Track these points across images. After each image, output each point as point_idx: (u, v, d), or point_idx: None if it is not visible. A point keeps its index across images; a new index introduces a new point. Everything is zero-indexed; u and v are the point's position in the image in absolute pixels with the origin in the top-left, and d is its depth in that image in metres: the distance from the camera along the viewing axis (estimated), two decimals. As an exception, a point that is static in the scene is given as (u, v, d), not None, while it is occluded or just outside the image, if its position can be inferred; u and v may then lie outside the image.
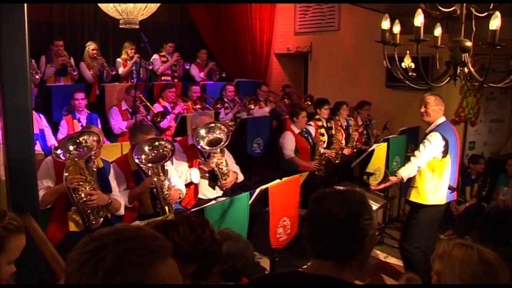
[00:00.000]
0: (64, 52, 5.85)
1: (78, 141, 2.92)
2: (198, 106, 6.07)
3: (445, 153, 3.55)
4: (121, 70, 6.40)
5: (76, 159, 2.85)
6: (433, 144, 3.51)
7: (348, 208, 1.36)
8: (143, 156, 3.22)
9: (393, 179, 3.68)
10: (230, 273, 2.08)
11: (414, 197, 3.66)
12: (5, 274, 1.58)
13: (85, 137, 2.94)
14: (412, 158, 3.60)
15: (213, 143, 3.71)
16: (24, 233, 1.65)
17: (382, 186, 3.84)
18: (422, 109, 3.67)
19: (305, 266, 1.48)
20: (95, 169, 3.02)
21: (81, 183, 2.85)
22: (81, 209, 2.88)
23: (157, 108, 5.61)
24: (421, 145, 3.58)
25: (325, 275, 1.35)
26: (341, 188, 1.46)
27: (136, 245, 0.88)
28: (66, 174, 2.82)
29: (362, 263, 1.41)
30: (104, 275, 0.84)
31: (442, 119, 3.64)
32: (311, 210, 1.41)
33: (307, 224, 1.41)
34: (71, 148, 2.88)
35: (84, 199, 2.86)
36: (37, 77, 5.44)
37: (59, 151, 2.85)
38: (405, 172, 3.62)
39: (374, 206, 3.87)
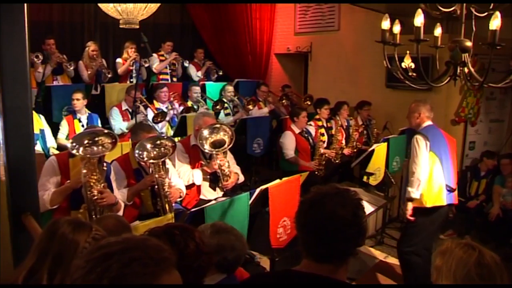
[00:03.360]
0: (56, 50, 5.84)
1: (96, 139, 2.90)
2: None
3: (428, 150, 3.53)
4: (119, 69, 6.40)
5: (88, 155, 2.83)
6: (420, 149, 3.50)
7: (351, 208, 1.36)
8: (144, 153, 3.23)
9: (408, 205, 3.56)
10: (223, 264, 2.10)
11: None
12: None
13: (103, 137, 2.92)
14: (410, 173, 3.53)
15: (216, 144, 3.69)
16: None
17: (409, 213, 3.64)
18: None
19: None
20: (105, 168, 3.02)
21: (94, 180, 2.85)
22: (91, 207, 2.88)
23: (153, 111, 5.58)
24: (412, 158, 3.53)
25: (321, 275, 1.35)
26: (338, 187, 1.43)
27: (142, 255, 0.89)
28: (85, 171, 2.82)
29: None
30: (109, 283, 0.85)
31: (427, 123, 3.65)
32: (311, 214, 1.37)
33: (309, 228, 1.37)
34: (85, 142, 2.86)
35: (96, 197, 2.86)
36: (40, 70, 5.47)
37: (74, 144, 2.82)
38: (414, 192, 3.52)
39: (374, 206, 3.87)
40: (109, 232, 1.85)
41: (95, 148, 2.87)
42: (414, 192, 3.52)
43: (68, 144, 2.91)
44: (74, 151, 2.81)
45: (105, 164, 3.14)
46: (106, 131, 3.03)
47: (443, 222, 3.81)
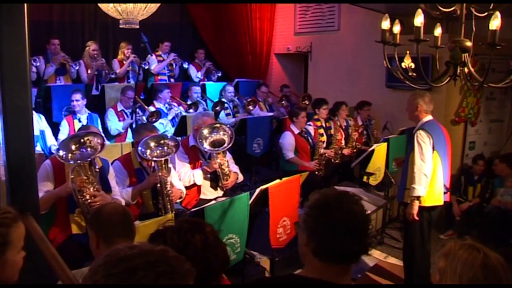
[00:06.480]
0: (60, 51, 5.83)
1: (82, 141, 2.89)
2: (191, 110, 6.03)
3: (432, 149, 3.50)
4: (117, 70, 6.39)
5: (79, 161, 2.82)
6: (426, 145, 3.46)
7: (361, 205, 1.40)
8: (147, 151, 3.24)
9: (415, 204, 3.48)
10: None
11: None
12: (19, 262, 1.61)
13: (90, 137, 2.92)
14: (416, 170, 3.44)
15: (216, 143, 3.70)
16: (21, 220, 1.65)
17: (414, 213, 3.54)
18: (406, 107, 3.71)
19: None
20: (97, 170, 3.01)
21: (85, 184, 2.83)
22: (85, 211, 2.86)
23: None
24: (417, 154, 3.47)
25: (325, 281, 1.34)
26: (339, 189, 1.47)
27: (168, 269, 0.86)
28: (72, 176, 2.81)
29: None
30: None
31: (428, 117, 3.60)
32: (332, 214, 1.35)
33: (329, 228, 1.34)
34: (73, 147, 2.86)
35: (89, 200, 2.84)
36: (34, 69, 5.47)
37: (61, 153, 2.82)
38: (421, 189, 3.45)
39: (374, 206, 3.87)
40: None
41: (85, 151, 2.86)
42: (421, 190, 3.45)
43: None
44: (63, 160, 2.82)
45: (96, 166, 3.08)
46: (89, 131, 3.03)
47: (442, 219, 3.80)
